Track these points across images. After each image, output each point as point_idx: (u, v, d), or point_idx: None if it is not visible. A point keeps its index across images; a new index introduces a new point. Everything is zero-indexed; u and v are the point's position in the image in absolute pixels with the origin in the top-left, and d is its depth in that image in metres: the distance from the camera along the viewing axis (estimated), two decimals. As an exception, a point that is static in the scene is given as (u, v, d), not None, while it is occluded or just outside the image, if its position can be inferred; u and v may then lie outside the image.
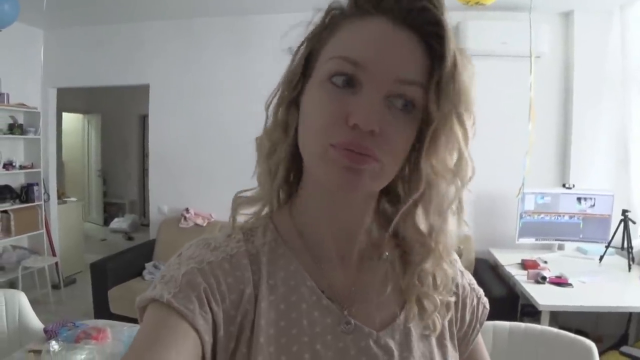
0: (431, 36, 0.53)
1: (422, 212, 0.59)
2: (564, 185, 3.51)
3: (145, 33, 4.30)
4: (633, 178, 3.36)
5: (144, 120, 7.47)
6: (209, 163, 4.25)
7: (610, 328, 3.04)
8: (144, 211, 7.89)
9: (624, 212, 3.10)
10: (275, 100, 0.61)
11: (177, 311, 0.52)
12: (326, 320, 0.59)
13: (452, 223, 0.60)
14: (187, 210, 4.21)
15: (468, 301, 0.69)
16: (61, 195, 5.25)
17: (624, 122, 3.44)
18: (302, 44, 0.59)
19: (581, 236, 3.39)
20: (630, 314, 2.95)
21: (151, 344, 0.49)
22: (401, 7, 0.53)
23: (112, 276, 3.60)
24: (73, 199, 5.62)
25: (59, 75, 4.54)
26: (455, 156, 0.55)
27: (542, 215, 3.43)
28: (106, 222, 7.76)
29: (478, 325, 0.70)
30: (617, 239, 3.12)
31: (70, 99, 5.98)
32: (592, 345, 1.58)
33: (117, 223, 7.36)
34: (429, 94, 0.53)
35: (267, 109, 0.62)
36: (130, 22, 4.26)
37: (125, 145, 7.89)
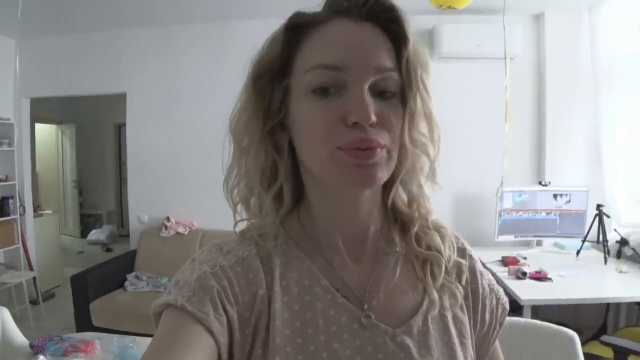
0: (390, 22, 0.57)
1: (405, 183, 0.64)
2: (540, 183, 3.60)
3: (121, 41, 4.25)
4: (606, 173, 3.46)
5: (119, 129, 7.38)
6: (189, 171, 4.22)
7: (589, 320, 3.13)
8: (121, 222, 7.77)
9: (599, 206, 3.19)
10: (247, 127, 0.61)
11: (191, 315, 0.52)
12: (342, 319, 0.59)
13: (427, 188, 0.65)
14: (167, 219, 4.18)
15: (487, 302, 0.69)
16: (36, 208, 5.14)
17: (596, 119, 3.54)
18: (267, 73, 0.59)
19: (558, 232, 3.48)
20: (608, 305, 3.04)
21: (167, 347, 0.50)
22: (357, 4, 0.57)
23: (93, 288, 3.53)
24: (48, 211, 5.51)
25: (33, 85, 4.44)
26: (426, 124, 0.60)
27: (520, 213, 3.51)
28: (83, 234, 7.60)
29: (498, 327, 0.70)
30: (592, 233, 3.22)
31: (43, 109, 5.86)
32: (575, 335, 1.63)
33: (95, 235, 7.23)
34: (402, 73, 0.56)
35: (232, 134, 0.63)
36: (107, 30, 4.21)
37: (101, 155, 7.77)
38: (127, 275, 3.88)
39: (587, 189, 3.42)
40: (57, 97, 5.36)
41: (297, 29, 0.58)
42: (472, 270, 0.69)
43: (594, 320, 3.09)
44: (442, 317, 0.63)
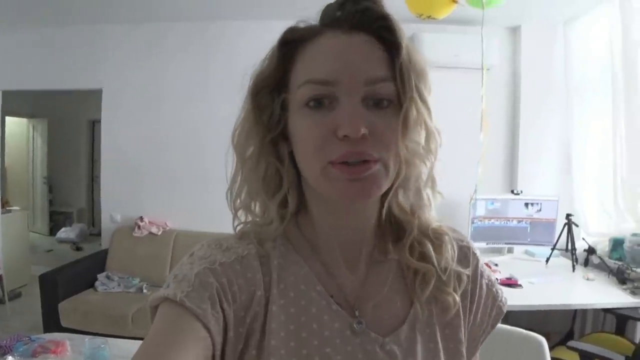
0: (382, 30, 0.57)
1: (403, 192, 0.64)
2: (512, 192, 3.68)
3: (98, 36, 4.17)
4: (575, 184, 3.57)
5: (93, 125, 7.23)
6: (164, 170, 4.17)
7: (557, 325, 3.20)
8: (92, 220, 7.61)
9: (568, 216, 3.28)
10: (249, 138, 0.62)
11: (189, 311, 0.53)
12: (335, 325, 0.60)
13: (427, 197, 0.65)
14: (141, 218, 4.11)
15: (482, 302, 0.69)
16: (4, 204, 5.00)
17: (567, 131, 3.65)
18: (264, 89, 0.61)
19: (529, 239, 3.56)
20: (575, 311, 3.12)
21: (163, 342, 0.51)
22: (347, 15, 0.57)
23: (62, 288, 3.45)
24: (16, 207, 5.36)
25: (4, 77, 4.33)
26: (423, 133, 0.60)
27: (492, 220, 3.57)
28: (52, 231, 7.41)
29: (489, 328, 0.71)
30: (561, 241, 3.30)
31: (14, 102, 5.71)
32: (543, 339, 1.67)
33: (65, 233, 7.05)
34: (396, 82, 0.56)
35: (234, 145, 0.63)
36: (83, 24, 4.12)
37: (73, 151, 7.59)
38: (98, 275, 3.80)
39: (557, 198, 3.50)
40: (30, 90, 5.21)
41: (291, 44, 0.59)
42: (475, 270, 0.69)
43: (561, 326, 3.17)
44: (429, 325, 0.64)
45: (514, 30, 3.87)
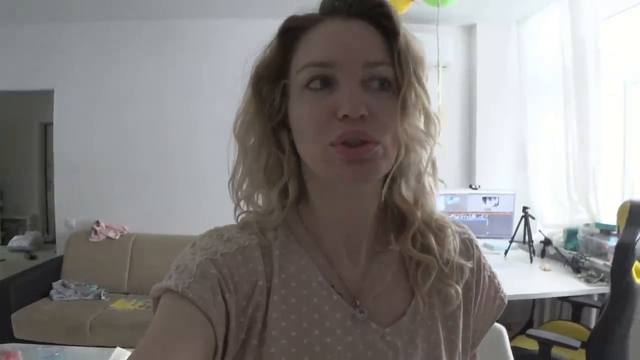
0: (380, 17, 0.59)
1: (404, 180, 0.63)
2: (470, 186, 3.75)
3: (49, 35, 4.01)
4: (531, 178, 3.69)
5: (45, 128, 6.96)
6: (122, 172, 4.06)
7: (517, 315, 3.29)
8: (47, 227, 7.32)
9: (524, 209, 3.37)
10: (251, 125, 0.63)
11: (191, 301, 0.53)
12: (336, 315, 0.60)
13: (429, 185, 0.65)
14: (97, 223, 3.98)
15: (484, 294, 0.70)
16: (-50, 213, 4.76)
17: (522, 127, 3.76)
18: (265, 77, 0.61)
19: (487, 233, 3.64)
20: (534, 301, 3.21)
21: (165, 332, 0.51)
22: (345, 3, 0.59)
23: (15, 298, 3.30)
24: (-36, 216, 5.11)
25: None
26: (422, 118, 0.60)
27: (452, 215, 3.62)
28: (4, 240, 7.08)
29: (493, 319, 0.72)
30: (519, 233, 3.39)
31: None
32: (503, 329, 1.70)
33: (17, 241, 6.73)
34: (395, 67, 0.57)
35: (235, 135, 0.64)
36: (33, 24, 3.96)
37: (24, 155, 7.28)
38: (53, 284, 3.67)
39: (514, 192, 3.60)
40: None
41: (291, 32, 0.60)
42: (477, 262, 0.70)
43: (521, 315, 3.26)
44: (431, 317, 0.65)
45: (470, 29, 3.96)
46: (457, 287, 0.64)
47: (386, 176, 0.60)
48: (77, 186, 4.10)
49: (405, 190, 0.64)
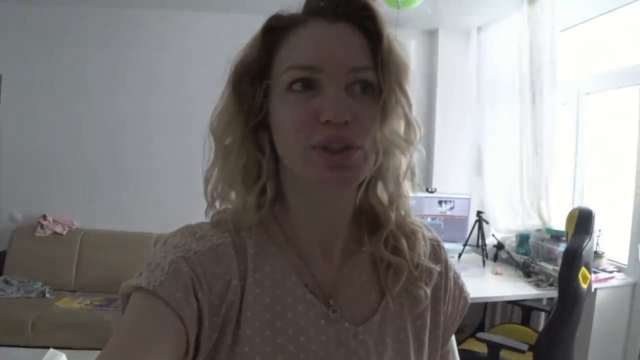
0: (364, 20, 0.58)
1: (381, 183, 0.64)
2: (427, 190, 3.78)
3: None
4: (486, 183, 3.76)
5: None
6: (71, 165, 3.90)
7: (469, 318, 3.34)
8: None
9: (479, 213, 3.44)
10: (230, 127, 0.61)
11: (163, 300, 0.52)
12: (309, 314, 0.61)
13: (406, 189, 0.65)
14: (44, 217, 3.81)
15: (451, 294, 0.73)
16: None
17: (479, 132, 3.83)
18: (246, 76, 0.60)
19: (442, 236, 3.50)
20: (486, 304, 3.28)
21: (136, 332, 0.50)
22: (330, 5, 0.58)
23: (-50, 295, 3.12)
24: None
25: None
26: (403, 124, 0.60)
27: (410, 218, 3.66)
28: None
29: (458, 317, 0.75)
30: (473, 237, 3.45)
31: None
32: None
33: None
34: (377, 72, 0.57)
35: (213, 134, 0.63)
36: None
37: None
38: (-6, 280, 3.47)
39: (469, 196, 3.65)
40: None
41: (275, 32, 0.59)
42: (445, 263, 0.72)
43: (473, 318, 3.31)
44: (400, 316, 0.66)
45: (432, 34, 4.00)
46: (426, 289, 0.66)
47: (364, 179, 0.60)
48: (23, 177, 3.91)
49: (381, 193, 0.65)
